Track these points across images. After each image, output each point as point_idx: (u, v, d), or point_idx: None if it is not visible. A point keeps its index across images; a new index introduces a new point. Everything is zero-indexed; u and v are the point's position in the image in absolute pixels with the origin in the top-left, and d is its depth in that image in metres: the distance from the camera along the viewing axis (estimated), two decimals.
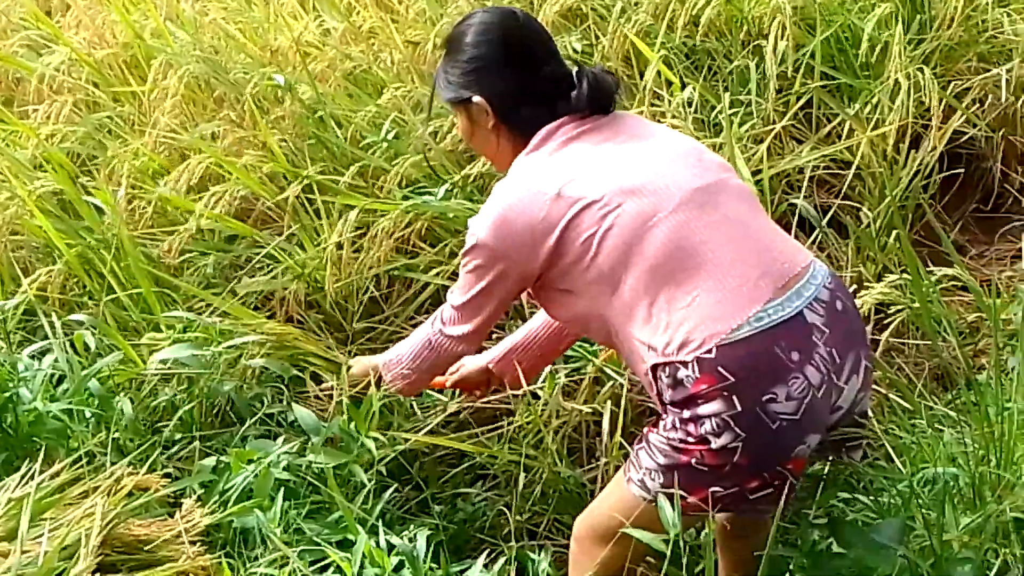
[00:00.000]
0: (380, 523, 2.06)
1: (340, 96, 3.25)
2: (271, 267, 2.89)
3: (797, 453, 1.82)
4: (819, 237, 2.98)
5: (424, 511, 2.35)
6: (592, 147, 1.90)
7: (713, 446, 1.77)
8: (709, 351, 1.75)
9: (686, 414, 1.78)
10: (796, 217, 2.94)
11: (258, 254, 2.89)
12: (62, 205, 2.88)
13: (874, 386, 2.23)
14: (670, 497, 1.77)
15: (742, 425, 1.76)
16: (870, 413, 2.05)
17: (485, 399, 2.45)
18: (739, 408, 1.75)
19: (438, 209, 2.87)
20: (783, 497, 1.80)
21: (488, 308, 1.99)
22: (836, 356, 1.81)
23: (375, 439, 2.23)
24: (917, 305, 2.28)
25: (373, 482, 2.18)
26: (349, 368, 2.35)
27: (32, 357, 2.41)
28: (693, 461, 1.79)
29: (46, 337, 2.51)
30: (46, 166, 2.93)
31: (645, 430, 1.90)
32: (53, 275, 2.66)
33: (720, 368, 1.75)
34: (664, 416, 1.85)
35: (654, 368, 1.82)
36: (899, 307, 2.29)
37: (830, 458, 2.04)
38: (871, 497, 2.12)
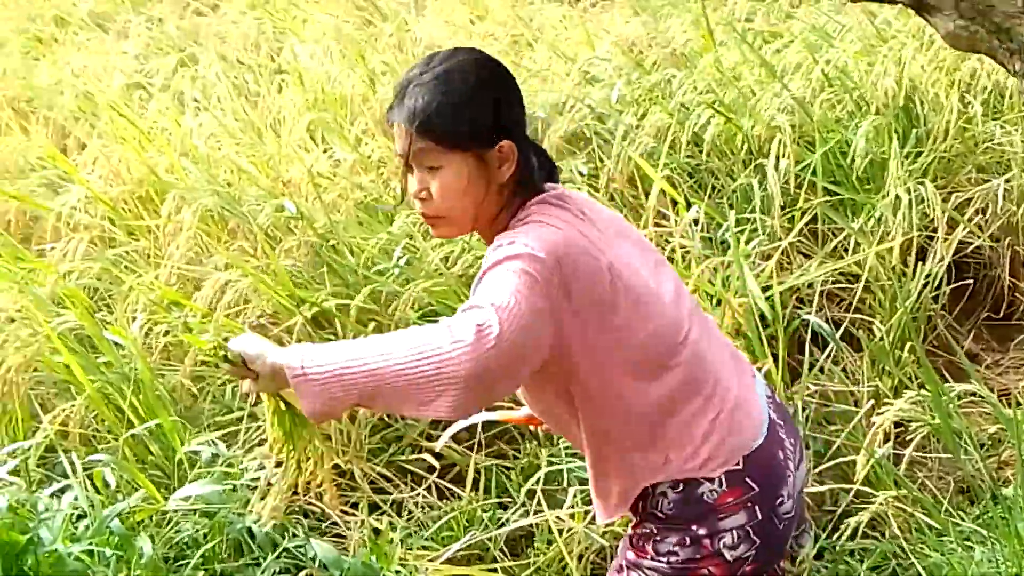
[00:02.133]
0: None
1: (351, 224, 3.30)
2: None
3: (786, 548, 1.84)
4: (832, 352, 2.98)
5: None
6: (596, 224, 1.72)
7: (727, 558, 1.74)
8: (737, 463, 1.73)
9: (702, 531, 1.73)
10: (809, 332, 2.96)
11: None
12: (80, 340, 2.89)
13: (899, 503, 2.22)
14: None
15: (759, 533, 1.74)
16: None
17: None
18: (759, 516, 1.74)
19: None
20: None
21: (529, 313, 1.54)
22: (793, 446, 1.83)
23: (396, 572, 2.19)
24: (938, 421, 2.27)
25: None
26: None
27: (52, 496, 2.39)
28: None
29: (65, 475, 2.49)
30: (64, 302, 2.96)
31: (630, 554, 1.79)
32: (73, 411, 2.66)
33: (747, 479, 1.73)
34: (656, 536, 1.75)
35: (652, 486, 1.74)
36: (919, 423, 2.29)
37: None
38: None
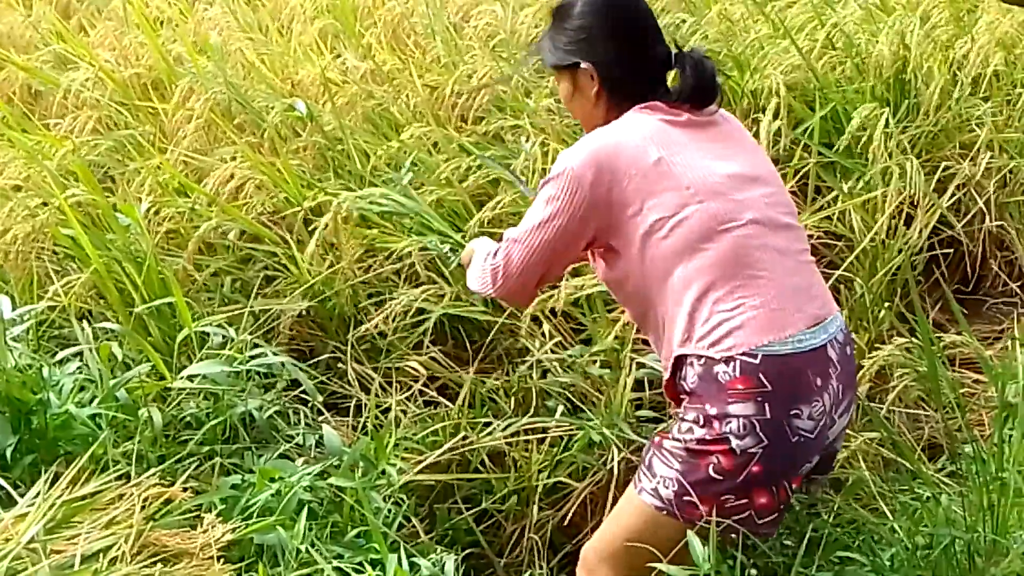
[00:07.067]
0: (403, 546, 2.10)
1: (361, 131, 3.32)
2: (279, 285, 2.96)
3: (802, 471, 1.95)
4: None
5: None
6: (696, 135, 2.00)
7: (733, 446, 1.85)
8: (754, 356, 1.86)
9: (713, 410, 1.86)
10: None
11: (272, 272, 2.95)
12: (85, 216, 2.90)
13: (881, 447, 2.34)
14: (685, 508, 1.86)
15: (767, 432, 1.85)
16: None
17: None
18: (768, 416, 1.85)
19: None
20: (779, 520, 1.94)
21: (543, 243, 2.00)
22: (840, 392, 1.95)
23: (396, 466, 2.27)
24: (924, 369, 2.39)
25: (391, 503, 2.23)
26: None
27: (57, 364, 2.42)
28: (710, 468, 1.86)
29: (65, 345, 2.52)
30: (70, 178, 2.96)
31: (656, 439, 1.96)
32: (76, 285, 2.68)
33: (761, 375, 1.85)
34: (680, 414, 1.92)
35: (682, 356, 1.91)
36: (901, 372, 2.40)
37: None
38: (870, 557, 2.21)
